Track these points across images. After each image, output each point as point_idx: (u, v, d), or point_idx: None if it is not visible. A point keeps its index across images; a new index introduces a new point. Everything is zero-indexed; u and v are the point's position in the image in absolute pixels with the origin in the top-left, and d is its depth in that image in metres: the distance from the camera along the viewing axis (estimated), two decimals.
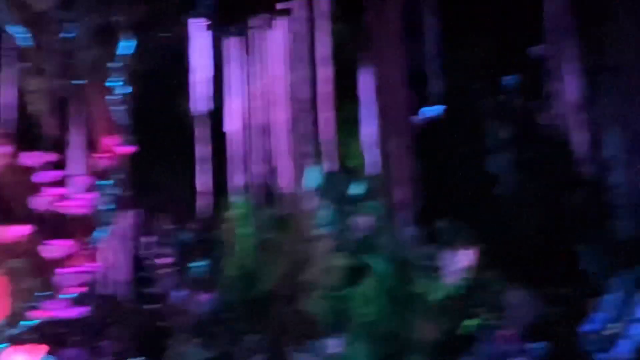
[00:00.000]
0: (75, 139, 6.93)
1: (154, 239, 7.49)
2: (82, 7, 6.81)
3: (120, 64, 6.84)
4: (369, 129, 6.94)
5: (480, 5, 6.91)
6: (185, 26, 6.82)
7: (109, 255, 7.22)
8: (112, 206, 6.89)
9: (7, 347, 5.85)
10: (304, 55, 6.95)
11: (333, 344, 6.64)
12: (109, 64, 6.84)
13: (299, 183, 7.03)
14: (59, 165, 6.93)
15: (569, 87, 6.84)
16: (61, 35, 6.63)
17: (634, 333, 6.13)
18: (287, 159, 6.92)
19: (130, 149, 6.96)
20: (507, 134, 7.23)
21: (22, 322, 6.19)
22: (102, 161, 6.88)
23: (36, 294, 6.36)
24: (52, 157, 6.84)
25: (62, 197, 6.77)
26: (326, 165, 6.96)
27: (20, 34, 6.63)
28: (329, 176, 7.01)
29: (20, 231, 6.64)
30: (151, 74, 7.08)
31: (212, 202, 7.26)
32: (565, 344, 6.36)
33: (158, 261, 7.41)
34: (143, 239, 7.53)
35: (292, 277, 6.95)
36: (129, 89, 6.93)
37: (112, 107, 6.84)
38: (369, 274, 6.85)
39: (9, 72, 6.62)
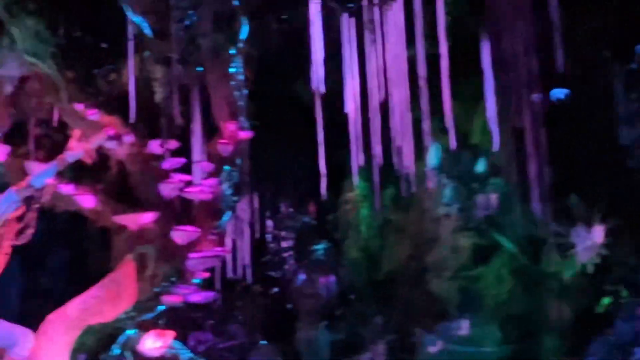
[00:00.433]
0: (198, 126, 6.87)
1: (275, 222, 7.40)
2: None
3: (239, 49, 6.74)
4: (492, 104, 6.63)
5: None
6: (303, 7, 6.65)
7: (233, 240, 7.16)
8: (234, 191, 6.79)
9: (136, 332, 5.83)
10: (422, 31, 6.67)
11: (462, 326, 6.44)
12: (230, 50, 6.75)
13: (420, 162, 6.78)
14: (183, 152, 6.88)
15: None
16: (183, 22, 6.58)
17: None
18: (408, 138, 6.69)
19: (250, 134, 6.86)
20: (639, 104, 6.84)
21: (151, 307, 6.14)
22: (224, 147, 6.78)
23: (165, 279, 6.31)
24: (176, 144, 6.78)
25: (187, 184, 6.71)
26: (448, 143, 6.67)
27: (143, 23, 6.62)
28: (452, 154, 6.76)
29: (149, 218, 6.62)
30: (269, 57, 6.96)
31: (332, 185, 7.10)
32: None
33: (280, 245, 7.31)
34: (265, 223, 7.44)
35: (418, 258, 6.75)
36: (248, 74, 6.82)
37: (232, 93, 6.75)
38: (497, 253, 6.60)
39: (133, 61, 6.62)
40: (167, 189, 6.79)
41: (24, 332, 6.25)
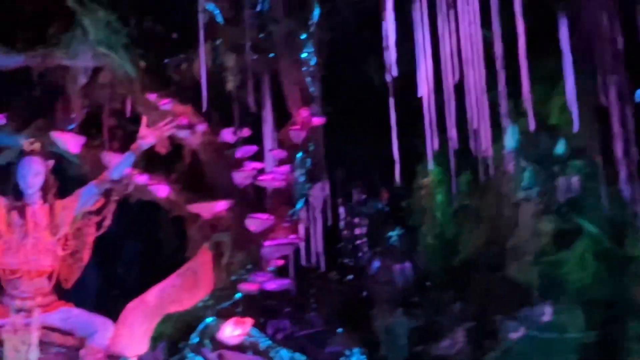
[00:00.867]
0: (270, 113, 6.80)
1: (348, 210, 7.27)
2: None
3: (311, 34, 6.64)
4: (571, 83, 6.39)
5: None
6: None
7: (306, 227, 7.07)
8: (307, 178, 6.70)
9: (215, 320, 5.77)
10: (496, 9, 6.47)
11: (545, 312, 6.22)
12: (301, 35, 6.65)
13: (498, 145, 6.58)
14: (255, 139, 6.81)
15: None
16: (255, 8, 6.51)
17: None
18: (485, 121, 6.49)
19: (322, 120, 6.76)
20: None
21: (228, 295, 6.09)
22: (296, 133, 6.69)
23: (241, 267, 6.25)
24: (248, 132, 6.72)
25: (260, 172, 6.64)
26: (526, 125, 6.46)
27: (215, 11, 6.56)
28: (530, 136, 6.54)
29: (222, 206, 6.58)
30: (341, 41, 6.84)
31: (405, 170, 6.94)
32: None
33: (353, 232, 7.19)
34: (337, 210, 7.32)
35: (496, 244, 6.56)
36: (320, 59, 6.71)
37: (304, 79, 6.65)
38: (580, 237, 6.36)
39: (204, 49, 6.57)
40: (240, 178, 6.75)
41: (104, 321, 6.25)
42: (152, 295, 6.40)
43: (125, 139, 7.21)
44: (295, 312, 6.23)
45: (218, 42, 6.81)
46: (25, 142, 6.15)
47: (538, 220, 6.68)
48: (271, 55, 6.73)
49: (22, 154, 6.13)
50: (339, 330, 6.24)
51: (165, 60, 7.06)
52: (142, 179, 6.98)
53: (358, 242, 7.45)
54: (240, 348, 5.75)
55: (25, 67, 7.01)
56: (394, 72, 6.82)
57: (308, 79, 6.80)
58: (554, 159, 6.78)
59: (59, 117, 7.10)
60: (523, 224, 6.74)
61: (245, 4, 6.52)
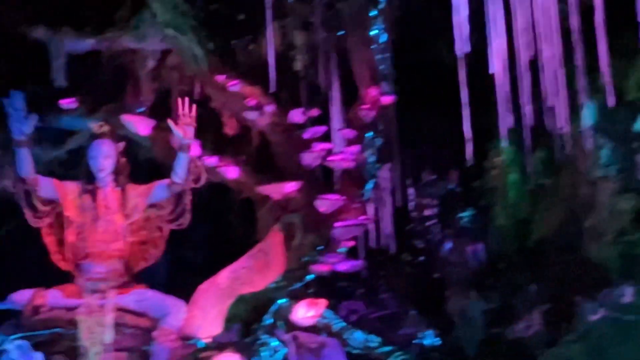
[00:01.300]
0: (338, 92, 6.68)
1: (419, 189, 7.12)
2: None
3: (380, 11, 6.49)
4: None
5: None
6: None
7: (376, 208, 6.95)
8: (377, 158, 6.57)
9: (287, 302, 5.69)
10: None
11: (625, 293, 6.00)
12: (370, 12, 6.51)
13: (575, 122, 6.35)
14: (324, 120, 6.71)
15: None
16: None
17: None
18: (560, 97, 6.26)
19: (392, 99, 6.61)
20: None
21: (300, 277, 6.01)
22: (366, 113, 6.56)
23: (312, 248, 6.17)
24: (317, 112, 6.62)
25: (329, 152, 6.53)
26: (604, 101, 6.22)
27: None
28: (608, 112, 6.29)
29: (292, 187, 6.50)
30: (411, 18, 6.67)
31: (478, 149, 6.76)
32: None
33: (423, 213, 7.04)
34: (407, 191, 7.18)
35: (573, 224, 6.34)
36: (390, 36, 6.56)
37: (374, 56, 6.52)
38: None
39: (272, 28, 6.49)
40: (309, 158, 6.67)
41: (176, 303, 6.26)
42: (224, 277, 6.37)
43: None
44: (367, 293, 6.13)
45: (286, 21, 6.72)
46: (94, 125, 6.22)
47: (617, 198, 6.45)
48: (340, 33, 6.62)
49: (93, 137, 6.20)
50: (412, 312, 6.14)
51: (233, 42, 7.01)
52: (211, 160, 6.96)
53: (428, 223, 7.30)
54: (313, 329, 5.68)
55: (94, 51, 7.04)
56: (465, 48, 6.64)
57: (377, 57, 6.67)
58: (633, 136, 6.53)
59: (128, 101, 7.11)
60: (601, 203, 6.51)
61: None
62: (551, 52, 6.57)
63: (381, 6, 6.62)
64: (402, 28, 6.89)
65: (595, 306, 6.24)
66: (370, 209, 6.90)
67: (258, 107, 6.80)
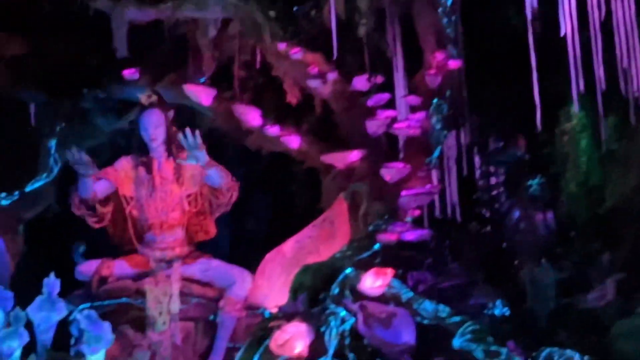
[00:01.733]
0: (403, 58, 6.50)
1: (484, 158, 6.92)
2: None
3: None
4: None
5: None
6: None
7: (443, 176, 6.78)
8: (444, 125, 6.39)
9: (353, 271, 5.57)
10: None
11: None
12: None
13: None
14: (387, 87, 6.54)
15: None
16: None
17: None
18: (635, 59, 6.01)
19: (459, 63, 6.41)
20: None
21: (366, 246, 5.88)
22: (432, 78, 6.38)
23: (378, 217, 6.03)
24: (381, 78, 6.45)
25: (394, 119, 6.37)
26: None
27: None
28: None
29: (356, 156, 6.36)
30: None
31: (547, 115, 6.53)
32: None
33: (490, 181, 6.83)
34: (473, 159, 6.98)
35: None
36: None
37: (440, 20, 6.31)
38: None
39: None
40: (374, 126, 6.52)
41: (242, 272, 6.22)
42: (289, 246, 6.28)
43: (255, 91, 7.11)
44: (435, 263, 5.98)
45: None
46: (142, 96, 6.18)
47: None
48: None
49: (142, 108, 6.18)
50: (482, 282, 5.97)
51: (295, 8, 6.87)
52: (273, 130, 6.86)
53: (495, 192, 7.10)
54: (381, 299, 5.55)
55: (156, 20, 6.96)
56: (535, 9, 6.39)
57: (444, 20, 6.46)
58: None
59: (190, 70, 7.04)
60: None
61: None
62: (624, 12, 6.31)
63: None
64: None
65: None
66: (435, 177, 6.73)
67: (320, 75, 6.66)
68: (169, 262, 6.23)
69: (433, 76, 6.44)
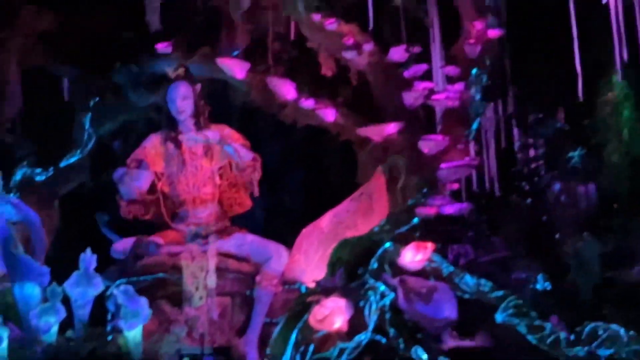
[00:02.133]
0: (439, 28, 6.27)
1: (523, 129, 6.68)
2: None
3: None
4: None
5: None
6: None
7: (481, 149, 6.56)
8: (483, 96, 6.16)
9: (393, 245, 5.40)
10: None
11: None
12: None
13: None
14: (424, 57, 6.31)
15: None
16: None
17: None
18: None
19: (499, 32, 6.17)
20: None
21: (405, 220, 5.70)
22: (471, 47, 6.15)
23: (417, 190, 5.84)
24: (418, 49, 6.23)
25: (431, 91, 6.15)
26: None
27: None
28: None
29: (393, 128, 6.17)
30: None
31: (588, 85, 6.28)
32: None
33: (529, 154, 6.60)
34: (512, 130, 6.75)
35: None
36: None
37: None
38: None
39: None
40: (411, 98, 6.30)
41: (278, 247, 6.09)
42: (326, 221, 6.12)
43: (290, 63, 6.92)
44: (475, 237, 5.79)
45: None
46: (169, 70, 6.11)
47: None
48: None
49: (169, 81, 6.09)
50: (523, 255, 5.78)
51: None
52: (308, 103, 6.67)
53: (535, 164, 6.87)
54: (421, 274, 5.38)
55: None
56: None
57: None
58: None
59: (223, 44, 6.86)
60: None
61: None
62: None
63: None
64: None
65: None
66: (479, 148, 6.52)
67: (356, 46, 6.44)
68: (205, 237, 6.14)
69: (472, 46, 6.21)
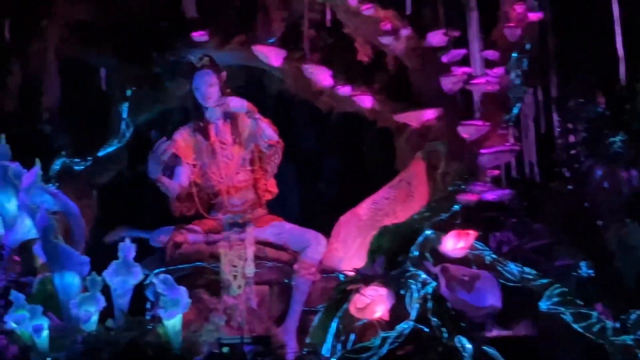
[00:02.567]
0: (477, 11, 6.05)
1: (563, 115, 6.45)
2: None
3: None
4: None
5: None
6: None
7: (520, 134, 6.36)
8: (523, 80, 5.94)
9: (433, 232, 5.23)
10: None
11: None
12: None
13: None
14: (461, 42, 6.10)
15: None
16: None
17: None
18: None
19: (540, 15, 5.95)
20: None
21: (445, 207, 5.52)
22: (511, 31, 5.93)
23: (457, 177, 5.66)
24: (457, 33, 6.03)
25: (470, 76, 5.95)
26: None
27: None
28: None
29: (432, 114, 5.99)
30: None
31: (630, 68, 6.05)
32: None
33: (570, 138, 6.37)
34: (551, 116, 6.53)
35: None
36: None
37: None
38: None
39: None
40: (450, 83, 6.11)
41: (316, 235, 5.97)
42: (365, 208, 5.96)
43: (326, 50, 6.74)
44: (517, 224, 5.59)
45: None
46: (194, 59, 6.10)
47: None
48: None
49: (194, 69, 6.05)
50: (567, 242, 5.57)
51: None
52: (344, 90, 6.50)
53: (575, 150, 6.63)
54: (463, 262, 5.20)
55: None
56: None
57: None
58: None
59: (259, 31, 6.70)
60: None
61: None
62: None
63: None
64: None
65: None
66: (510, 135, 6.29)
67: (393, 31, 6.24)
68: (242, 226, 6.03)
69: (513, 29, 5.99)
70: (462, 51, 6.18)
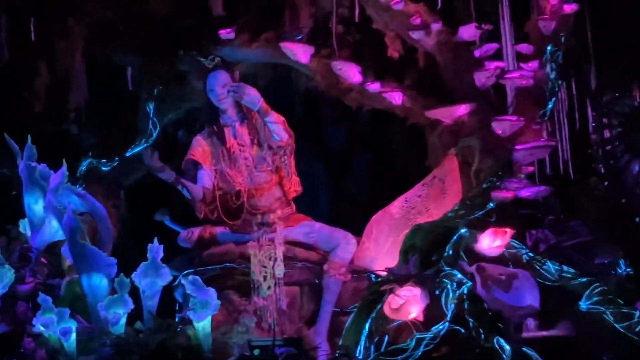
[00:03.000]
0: (509, 4, 5.87)
1: (600, 108, 6.23)
2: None
3: None
4: None
5: None
6: None
7: (554, 130, 6.16)
8: (558, 74, 5.74)
9: (468, 231, 5.05)
10: None
11: None
12: None
13: None
14: (493, 36, 5.91)
15: None
16: None
17: None
18: None
19: (575, 7, 5.74)
20: None
21: (480, 204, 5.33)
22: (545, 23, 5.73)
23: (492, 174, 5.47)
24: (489, 26, 5.84)
25: (503, 70, 5.76)
26: None
27: None
28: None
29: (464, 110, 5.81)
30: None
31: None
32: None
33: (605, 133, 6.16)
34: (586, 111, 6.31)
35: None
36: None
37: None
38: None
39: None
40: (483, 78, 5.91)
41: (346, 235, 5.81)
42: (397, 206, 5.79)
43: (355, 46, 6.58)
44: (555, 221, 5.39)
45: None
46: (205, 61, 5.97)
47: None
48: None
49: (206, 71, 5.92)
50: (606, 240, 5.35)
51: None
52: (374, 86, 6.33)
53: (610, 145, 6.41)
54: (500, 260, 5.00)
55: None
56: None
57: None
58: None
59: (287, 28, 6.55)
60: None
61: None
62: None
63: None
64: None
65: None
66: (544, 131, 6.09)
67: (424, 26, 6.07)
68: (271, 226, 5.88)
69: (547, 21, 5.79)
70: (495, 45, 5.99)
